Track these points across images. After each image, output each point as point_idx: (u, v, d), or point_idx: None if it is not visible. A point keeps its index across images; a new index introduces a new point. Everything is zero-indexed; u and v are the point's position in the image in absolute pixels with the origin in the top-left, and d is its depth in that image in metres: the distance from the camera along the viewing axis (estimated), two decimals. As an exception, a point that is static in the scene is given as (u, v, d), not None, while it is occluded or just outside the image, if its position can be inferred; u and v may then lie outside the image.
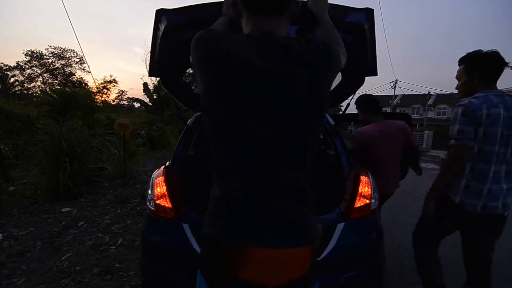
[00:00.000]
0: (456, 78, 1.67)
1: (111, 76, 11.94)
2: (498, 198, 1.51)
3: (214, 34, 0.73)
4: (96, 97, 11.32)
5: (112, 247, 2.82)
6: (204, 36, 0.73)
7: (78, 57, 27.41)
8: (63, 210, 3.76)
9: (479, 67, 1.52)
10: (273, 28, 0.75)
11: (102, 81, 11.93)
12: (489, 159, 1.49)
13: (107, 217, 3.63)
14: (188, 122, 2.10)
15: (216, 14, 0.99)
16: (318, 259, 1.52)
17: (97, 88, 11.69)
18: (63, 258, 2.58)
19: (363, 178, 1.74)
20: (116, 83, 12.55)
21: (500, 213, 1.54)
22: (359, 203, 1.65)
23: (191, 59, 0.76)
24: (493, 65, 1.51)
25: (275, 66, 0.68)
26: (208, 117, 0.72)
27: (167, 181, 1.68)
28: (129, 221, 3.52)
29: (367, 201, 1.67)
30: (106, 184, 5.07)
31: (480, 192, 1.51)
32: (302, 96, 0.70)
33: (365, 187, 1.70)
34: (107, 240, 2.99)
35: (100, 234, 3.11)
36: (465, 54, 1.59)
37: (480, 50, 1.54)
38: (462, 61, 1.61)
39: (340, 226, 1.57)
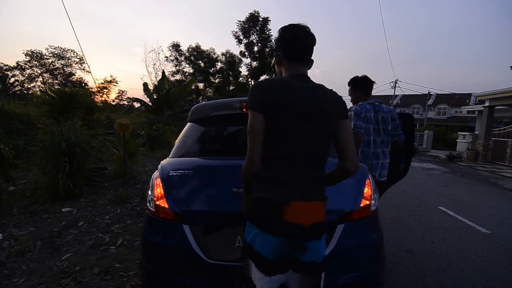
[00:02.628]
0: (349, 95, 2.58)
1: (111, 76, 11.89)
2: (376, 170, 2.40)
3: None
4: (96, 97, 11.29)
5: (112, 247, 2.82)
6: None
7: (78, 57, 27.38)
8: (63, 210, 3.76)
9: (359, 86, 2.47)
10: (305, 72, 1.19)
11: (103, 81, 11.92)
12: (368, 145, 2.36)
13: (107, 217, 3.63)
14: (188, 120, 2.10)
15: None
16: None
17: (97, 88, 11.67)
18: (63, 258, 2.58)
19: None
20: (116, 83, 12.54)
21: (378, 179, 2.39)
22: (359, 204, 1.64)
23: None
24: (366, 84, 2.46)
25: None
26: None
27: (168, 182, 1.68)
28: (129, 221, 3.52)
29: (367, 202, 1.67)
30: (106, 184, 5.07)
31: (369, 166, 2.26)
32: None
33: (365, 188, 1.70)
34: (107, 240, 2.99)
35: (100, 234, 3.11)
36: (350, 79, 2.52)
37: (357, 75, 2.48)
38: (349, 83, 2.53)
39: (340, 227, 1.57)
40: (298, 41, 1.15)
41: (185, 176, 1.71)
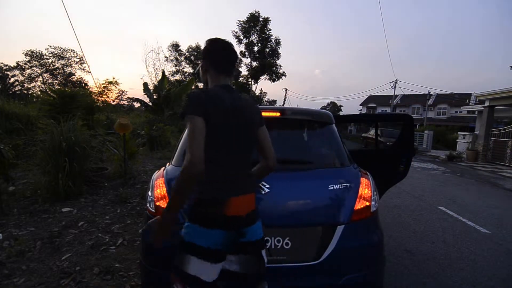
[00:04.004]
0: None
1: (113, 78, 11.88)
2: None
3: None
4: (98, 98, 11.29)
5: (112, 247, 2.82)
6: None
7: (78, 57, 27.39)
8: (63, 210, 3.76)
9: None
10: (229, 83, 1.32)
11: (104, 82, 11.90)
12: None
13: (107, 217, 3.63)
14: None
15: None
16: (318, 261, 1.52)
17: (97, 88, 11.66)
18: (63, 258, 2.58)
19: (363, 180, 1.74)
20: (118, 85, 12.52)
21: None
22: (359, 205, 1.64)
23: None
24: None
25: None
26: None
27: (168, 183, 1.68)
28: (129, 221, 3.52)
29: (367, 203, 1.67)
30: (106, 184, 5.07)
31: None
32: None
33: (365, 189, 1.70)
34: (107, 240, 2.99)
35: (100, 234, 3.11)
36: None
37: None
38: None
39: (340, 229, 1.57)
40: (226, 54, 1.30)
41: None
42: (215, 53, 1.29)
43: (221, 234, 1.17)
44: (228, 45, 1.31)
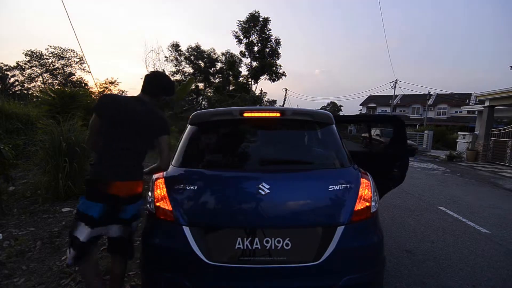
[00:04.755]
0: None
1: (112, 78, 11.84)
2: None
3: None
4: (97, 97, 11.29)
5: (112, 247, 2.82)
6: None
7: (78, 57, 27.37)
8: (63, 210, 3.76)
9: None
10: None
11: (104, 82, 11.92)
12: None
13: (107, 217, 3.63)
14: (188, 123, 2.10)
15: None
16: (318, 262, 1.52)
17: (97, 88, 11.67)
18: (63, 258, 2.58)
19: (363, 181, 1.73)
20: (117, 84, 12.53)
21: None
22: (359, 206, 1.64)
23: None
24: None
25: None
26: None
27: (167, 183, 1.68)
28: (129, 221, 3.52)
29: (367, 204, 1.66)
30: (106, 184, 5.07)
31: None
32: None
33: (365, 189, 1.69)
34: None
35: (100, 234, 3.10)
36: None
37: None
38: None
39: (340, 229, 1.57)
40: (152, 81, 1.85)
41: (188, 181, 1.71)
42: (147, 78, 1.84)
43: (102, 206, 1.60)
44: (156, 76, 1.89)
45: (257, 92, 27.89)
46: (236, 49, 31.63)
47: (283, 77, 26.74)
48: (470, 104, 25.23)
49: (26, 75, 26.48)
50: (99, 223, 1.61)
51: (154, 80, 1.85)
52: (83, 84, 25.15)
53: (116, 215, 1.66)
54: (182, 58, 28.81)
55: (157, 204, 1.64)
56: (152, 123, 1.76)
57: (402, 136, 2.99)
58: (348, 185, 1.69)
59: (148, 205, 1.71)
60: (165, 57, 28.22)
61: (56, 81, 26.90)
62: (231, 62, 27.54)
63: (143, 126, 1.72)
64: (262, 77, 26.68)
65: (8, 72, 25.65)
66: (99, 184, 1.61)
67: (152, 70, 2.16)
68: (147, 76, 1.85)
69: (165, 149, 1.78)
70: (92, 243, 1.65)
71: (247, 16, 25.71)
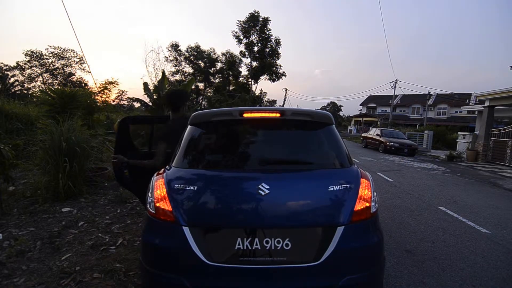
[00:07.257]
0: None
1: (112, 78, 11.80)
2: None
3: None
4: (98, 97, 11.29)
5: (112, 247, 2.82)
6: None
7: (78, 57, 27.38)
8: (63, 210, 3.76)
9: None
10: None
11: (104, 82, 11.89)
12: None
13: (107, 217, 3.63)
14: (188, 123, 2.10)
15: None
16: (318, 262, 1.52)
17: (98, 88, 11.64)
18: (63, 258, 2.58)
19: (363, 181, 1.73)
20: (117, 84, 12.49)
21: None
22: (359, 206, 1.64)
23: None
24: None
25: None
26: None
27: (168, 184, 1.68)
28: (129, 221, 3.52)
29: (367, 204, 1.66)
30: (106, 184, 5.07)
31: None
32: None
33: (365, 190, 1.69)
34: (107, 240, 2.99)
35: (100, 234, 3.11)
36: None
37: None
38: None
39: (340, 229, 1.57)
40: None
41: (187, 182, 1.71)
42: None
43: None
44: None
45: (257, 92, 27.88)
46: (236, 49, 31.63)
47: (283, 77, 26.77)
48: (470, 104, 25.24)
49: (26, 75, 26.50)
50: None
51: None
52: (83, 84, 25.16)
53: None
54: (182, 58, 28.82)
55: (157, 204, 1.64)
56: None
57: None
58: (348, 185, 1.69)
59: (148, 206, 1.71)
60: (165, 57, 28.25)
61: (56, 81, 26.93)
62: (231, 62, 27.55)
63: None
64: (262, 77, 26.70)
65: (8, 72, 25.66)
66: None
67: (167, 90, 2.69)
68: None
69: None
70: None
71: (247, 16, 25.73)
